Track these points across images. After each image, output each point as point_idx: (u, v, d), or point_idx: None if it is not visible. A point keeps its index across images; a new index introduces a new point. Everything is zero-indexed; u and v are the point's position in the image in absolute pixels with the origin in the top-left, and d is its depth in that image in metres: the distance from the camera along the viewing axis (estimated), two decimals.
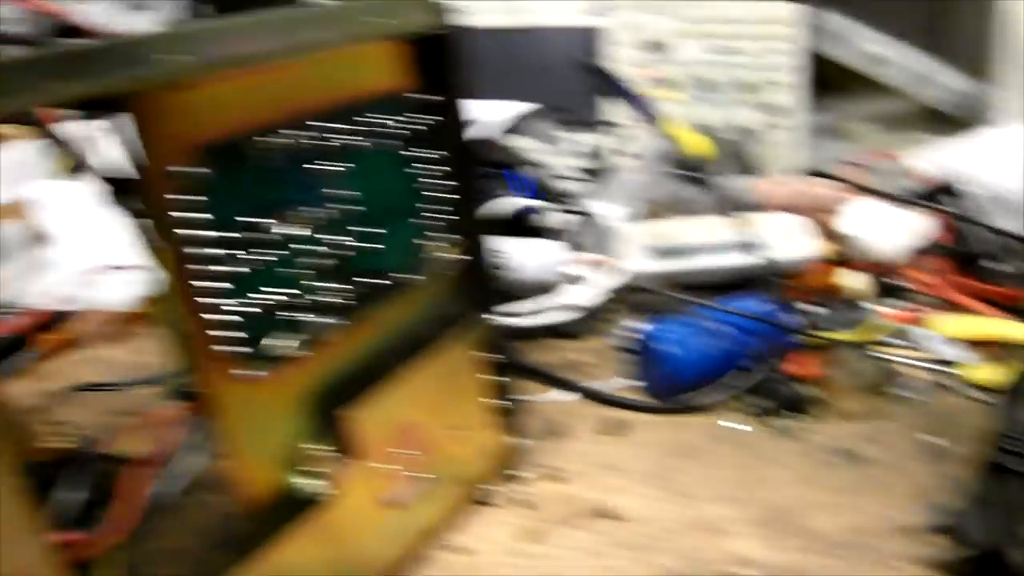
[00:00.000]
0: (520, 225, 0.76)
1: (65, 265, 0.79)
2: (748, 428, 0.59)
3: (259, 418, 0.38)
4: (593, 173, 0.94)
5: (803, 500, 0.52)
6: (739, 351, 0.61)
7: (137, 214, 0.34)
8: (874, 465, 0.55)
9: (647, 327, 0.64)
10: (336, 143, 0.41)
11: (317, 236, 0.40)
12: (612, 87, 0.70)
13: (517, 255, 0.70)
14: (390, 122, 0.44)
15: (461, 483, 0.50)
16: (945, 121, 0.98)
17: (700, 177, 0.83)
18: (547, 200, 0.79)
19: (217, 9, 0.35)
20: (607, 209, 0.78)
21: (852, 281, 0.70)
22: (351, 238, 0.42)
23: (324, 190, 0.40)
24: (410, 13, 0.43)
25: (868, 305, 0.69)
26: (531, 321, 0.68)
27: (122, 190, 0.33)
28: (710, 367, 0.61)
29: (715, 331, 0.61)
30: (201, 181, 0.34)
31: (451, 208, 0.48)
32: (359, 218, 0.42)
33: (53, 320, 0.77)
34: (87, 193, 0.81)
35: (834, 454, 0.56)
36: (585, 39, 1.00)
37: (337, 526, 0.41)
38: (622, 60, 0.95)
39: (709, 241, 0.73)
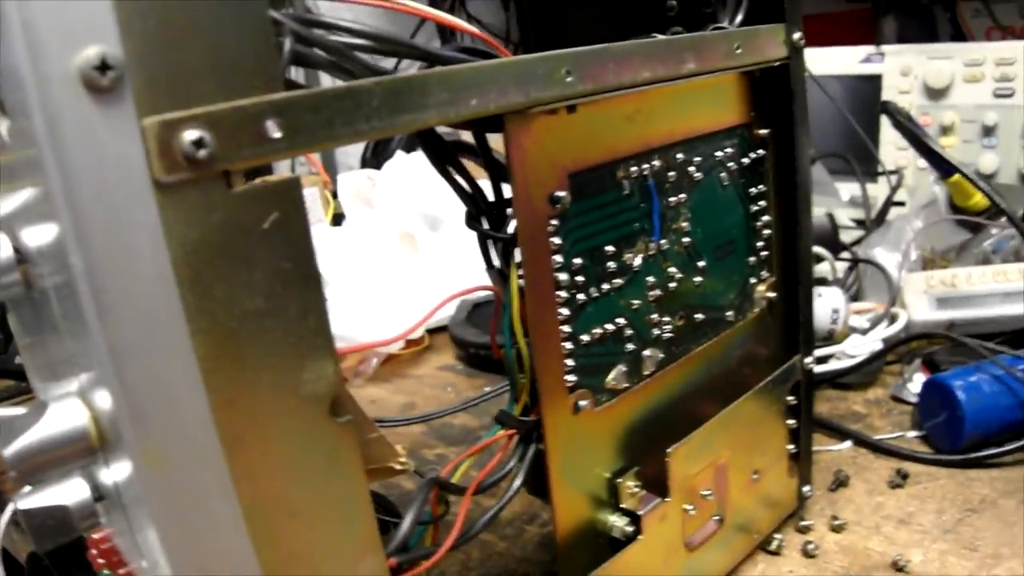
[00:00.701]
0: None
1: (337, 305, 0.84)
2: None
3: (583, 450, 0.39)
4: (871, 221, 0.93)
5: None
6: None
7: (496, 236, 0.36)
8: None
9: (937, 374, 0.62)
10: (682, 175, 0.42)
11: (660, 268, 0.42)
12: (910, 135, 0.69)
13: None
14: (730, 154, 0.45)
15: (752, 529, 0.50)
16: None
17: (981, 224, 0.80)
18: (825, 247, 0.79)
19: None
20: (887, 257, 0.77)
21: None
22: (689, 271, 0.44)
23: (668, 222, 0.42)
24: (770, 44, 0.44)
25: None
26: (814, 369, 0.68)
27: (480, 211, 0.36)
28: (1005, 417, 0.59)
29: (1010, 379, 0.59)
30: (565, 207, 0.36)
31: (777, 245, 0.49)
32: (697, 251, 0.44)
33: None
34: (361, 240, 0.88)
35: None
36: (862, 86, 0.99)
37: (638, 568, 0.42)
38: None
39: (998, 288, 0.70)
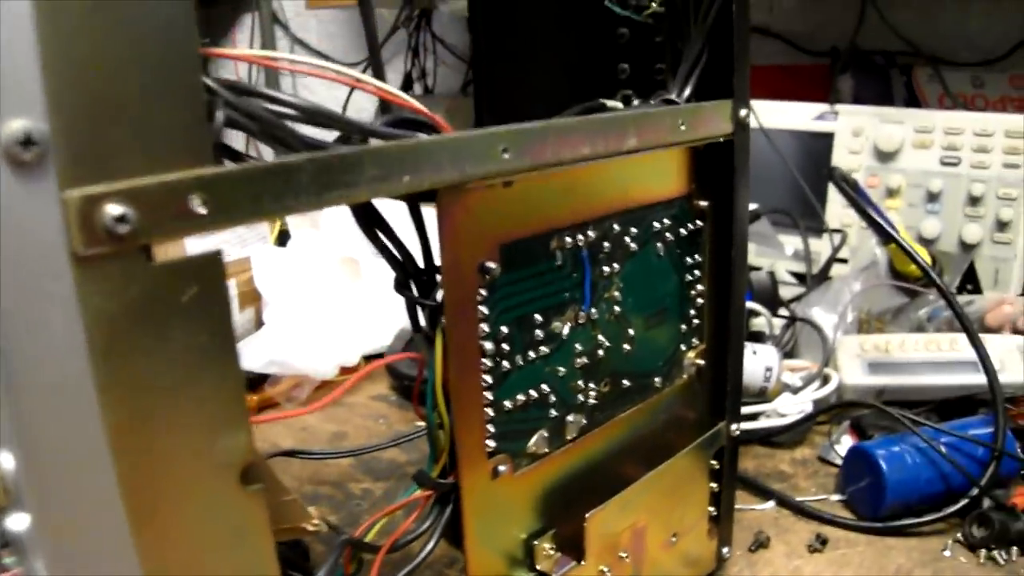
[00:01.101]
0: None
1: (275, 328, 0.83)
2: (964, 560, 0.57)
3: (500, 513, 0.39)
4: (812, 277, 0.94)
5: None
6: (958, 476, 0.60)
7: (424, 303, 0.36)
8: None
9: (862, 443, 0.63)
10: (617, 245, 0.43)
11: (589, 336, 0.42)
12: (854, 202, 0.70)
13: None
14: (667, 225, 0.46)
15: None
16: None
17: (918, 291, 0.82)
18: (764, 303, 0.80)
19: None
20: (824, 317, 0.78)
21: None
22: (618, 340, 0.44)
23: (600, 291, 0.42)
24: (715, 120, 0.45)
25: None
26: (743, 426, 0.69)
27: (408, 277, 0.36)
28: (925, 489, 0.60)
29: (932, 452, 0.60)
30: (495, 277, 0.36)
31: (709, 313, 0.50)
32: (627, 320, 0.44)
33: (255, 382, 0.81)
34: (305, 263, 0.88)
35: None
36: (813, 143, 1.01)
37: None
38: (847, 167, 0.96)
39: (929, 358, 0.72)
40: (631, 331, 0.45)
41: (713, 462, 0.52)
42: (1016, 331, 0.76)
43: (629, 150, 0.40)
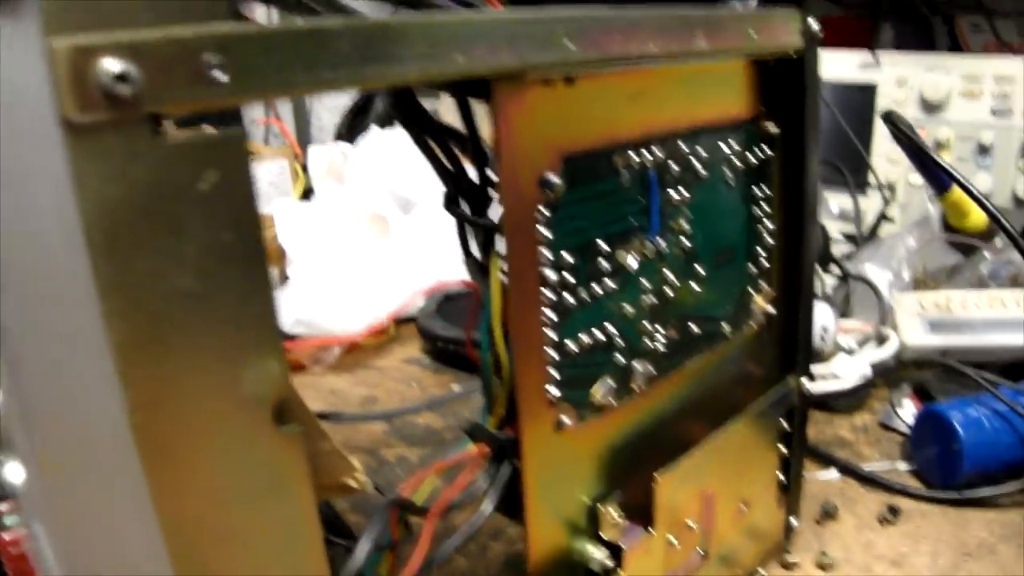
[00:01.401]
0: None
1: (301, 287, 0.80)
2: None
3: (563, 472, 0.35)
4: (861, 236, 0.89)
5: None
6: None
7: (478, 222, 0.32)
8: None
9: (934, 404, 0.58)
10: (685, 168, 0.38)
11: (656, 271, 0.37)
12: (912, 146, 0.65)
13: None
14: (736, 151, 0.41)
15: (736, 563, 0.46)
16: None
17: (976, 246, 0.77)
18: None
19: None
20: (877, 274, 0.74)
21: None
22: (686, 277, 0.39)
23: (668, 220, 0.37)
24: (784, 31, 0.40)
25: None
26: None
27: (460, 193, 0.32)
28: (1004, 455, 0.55)
29: (1012, 414, 0.56)
30: (558, 194, 0.31)
31: (779, 255, 0.45)
32: (696, 255, 0.39)
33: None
34: (330, 218, 0.83)
35: None
36: (855, 95, 0.96)
37: None
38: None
39: (995, 316, 0.67)
40: (700, 268, 0.40)
41: (783, 422, 0.47)
42: None
43: (698, 52, 0.35)
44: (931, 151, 0.65)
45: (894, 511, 0.54)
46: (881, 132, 0.93)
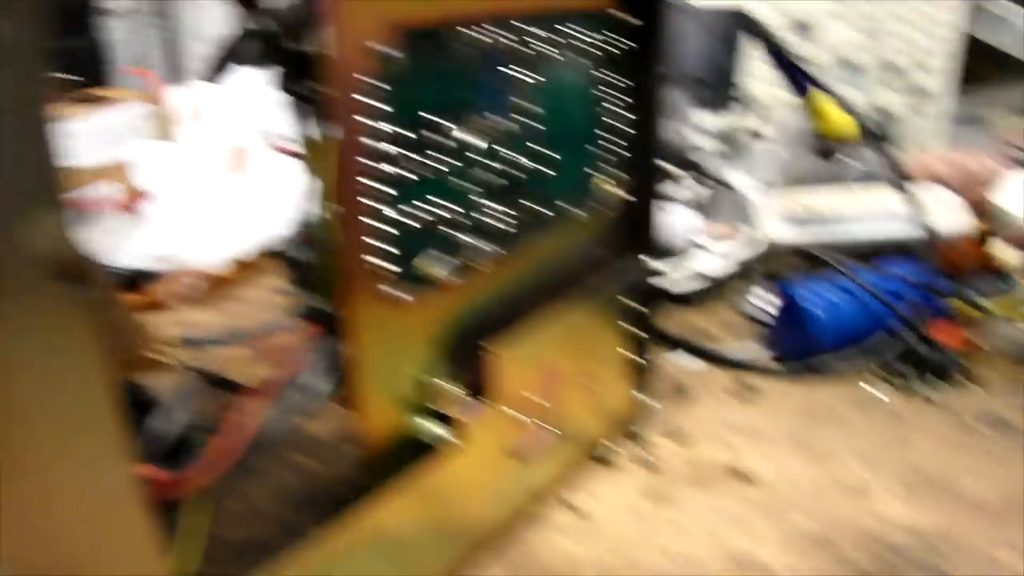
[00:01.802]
0: None
1: (159, 224, 0.78)
2: (887, 396, 0.56)
3: (393, 347, 0.36)
4: (729, 148, 0.92)
5: (950, 465, 0.49)
6: (884, 315, 0.58)
7: (311, 97, 0.31)
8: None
9: (786, 288, 0.61)
10: (530, 50, 0.38)
11: (494, 149, 0.38)
12: (772, 52, 0.67)
13: None
14: (587, 38, 0.41)
15: (584, 438, 0.48)
16: None
17: (841, 155, 0.80)
18: (679, 166, 0.77)
19: None
20: (743, 180, 0.76)
21: (1004, 253, 0.66)
22: (526, 157, 0.40)
23: (511, 99, 0.38)
24: None
25: (1018, 278, 0.65)
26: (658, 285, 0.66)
27: (295, 68, 0.31)
28: (852, 330, 0.59)
29: (859, 293, 0.59)
30: (392, 66, 0.31)
31: (628, 142, 0.46)
32: (538, 137, 0.40)
33: (142, 279, 0.75)
34: (187, 155, 0.83)
35: (983, 422, 0.53)
36: (727, 19, 0.98)
37: (453, 478, 0.38)
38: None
39: (855, 211, 0.70)
40: (545, 151, 0.41)
41: (630, 303, 0.49)
42: (940, 183, 0.74)
43: None
44: (786, 49, 0.67)
45: (748, 387, 0.57)
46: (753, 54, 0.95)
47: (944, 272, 0.64)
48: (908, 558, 0.42)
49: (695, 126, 0.88)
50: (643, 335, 0.50)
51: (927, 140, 0.90)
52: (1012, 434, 0.52)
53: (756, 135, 0.92)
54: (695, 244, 0.69)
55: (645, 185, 0.48)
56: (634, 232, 0.49)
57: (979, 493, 0.47)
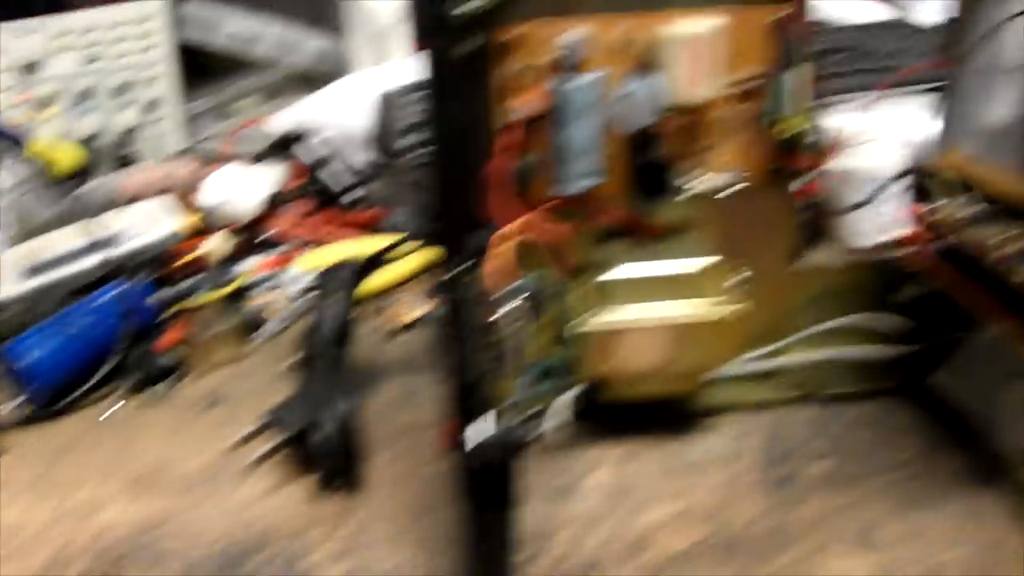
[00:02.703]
0: None
1: None
2: (120, 410, 0.61)
3: None
4: None
5: (169, 452, 0.56)
6: (105, 340, 0.63)
7: None
8: (238, 402, 0.60)
9: (4, 345, 0.63)
10: None
11: None
12: None
13: None
14: None
15: None
16: (314, 82, 1.04)
17: (72, 189, 0.83)
18: None
19: None
20: None
21: (213, 245, 0.74)
22: None
23: None
24: None
25: (238, 264, 0.73)
26: None
27: None
28: (80, 363, 0.62)
29: (75, 329, 0.62)
30: None
31: None
32: None
33: None
34: None
35: (200, 403, 0.60)
36: None
37: None
38: None
39: (69, 249, 0.73)
40: None
41: None
42: (150, 195, 0.80)
43: None
44: None
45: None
46: None
47: (168, 278, 0.70)
48: (134, 548, 0.48)
49: None
50: None
51: (167, 148, 0.97)
52: (227, 406, 0.60)
53: None
54: None
55: None
56: None
57: (199, 469, 0.54)
